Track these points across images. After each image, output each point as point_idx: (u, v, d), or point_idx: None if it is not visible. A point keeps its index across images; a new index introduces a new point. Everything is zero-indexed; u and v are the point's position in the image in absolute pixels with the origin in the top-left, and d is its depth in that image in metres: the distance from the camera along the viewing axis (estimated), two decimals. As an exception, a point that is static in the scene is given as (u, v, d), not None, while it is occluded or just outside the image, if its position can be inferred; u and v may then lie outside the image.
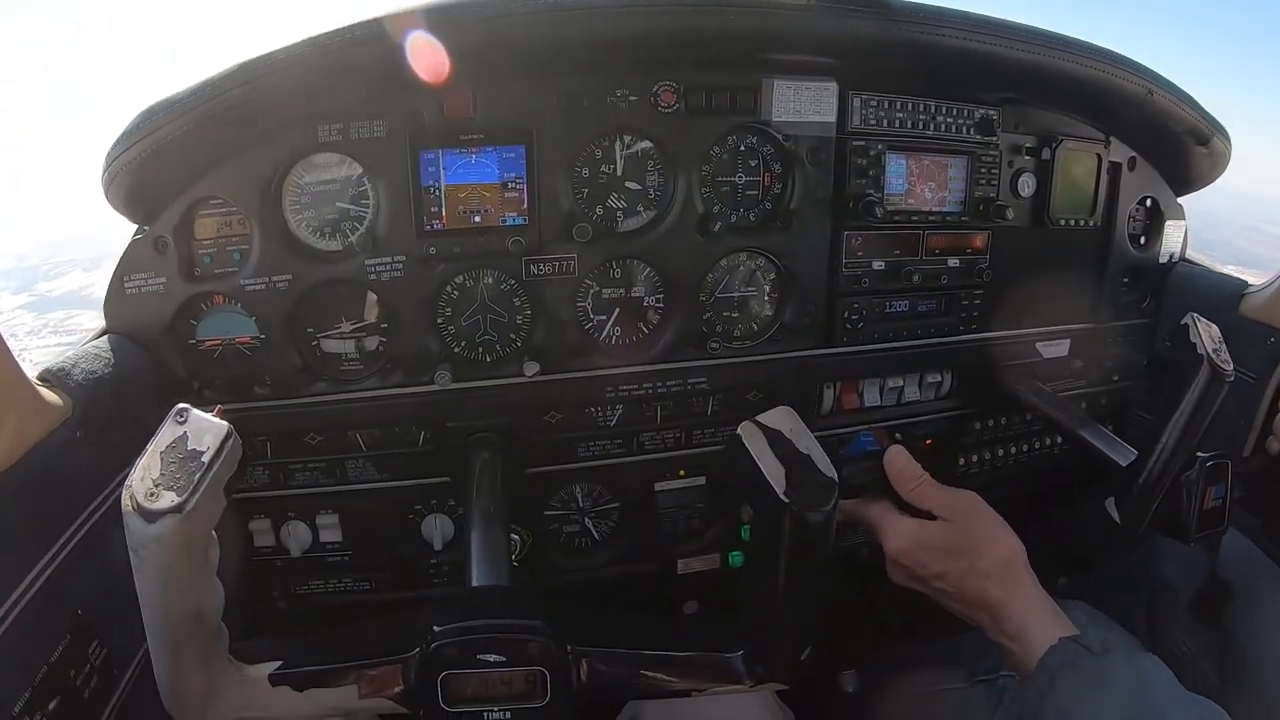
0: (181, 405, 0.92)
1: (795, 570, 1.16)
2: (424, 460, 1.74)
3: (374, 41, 1.39)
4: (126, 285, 1.54)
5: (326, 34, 1.38)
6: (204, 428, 0.90)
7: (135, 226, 1.55)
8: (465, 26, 1.44)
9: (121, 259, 1.53)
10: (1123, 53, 1.96)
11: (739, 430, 1.30)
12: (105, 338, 1.52)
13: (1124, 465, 1.73)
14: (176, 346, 1.60)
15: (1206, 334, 1.58)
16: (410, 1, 1.44)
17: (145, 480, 0.85)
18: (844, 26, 1.67)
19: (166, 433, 0.89)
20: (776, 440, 1.26)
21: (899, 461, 1.63)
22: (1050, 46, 1.85)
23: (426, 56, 1.42)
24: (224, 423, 0.92)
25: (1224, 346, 1.60)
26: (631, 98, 1.64)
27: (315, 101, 1.49)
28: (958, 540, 1.50)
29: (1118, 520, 1.78)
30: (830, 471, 1.23)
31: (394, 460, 1.73)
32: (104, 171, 1.43)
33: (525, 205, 1.63)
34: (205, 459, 0.87)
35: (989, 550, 1.48)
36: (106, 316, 1.56)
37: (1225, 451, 1.73)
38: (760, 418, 1.28)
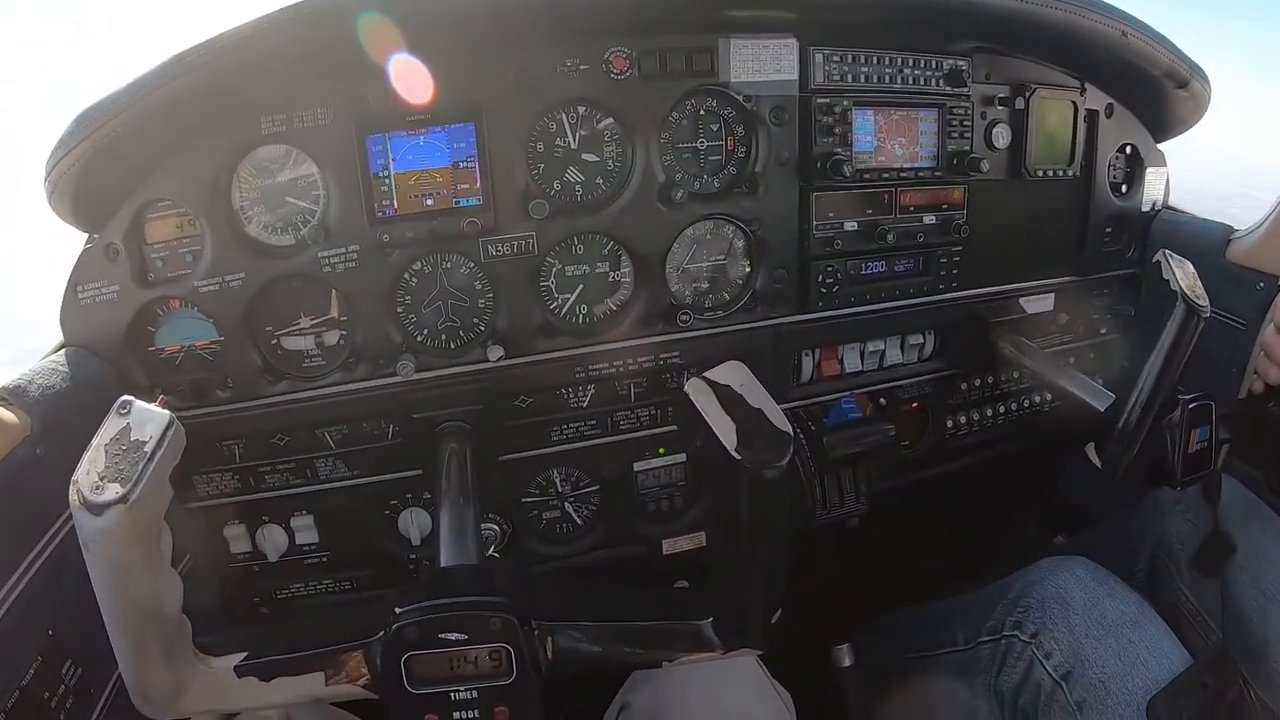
0: (125, 398, 0.96)
1: (757, 530, 1.17)
2: (394, 454, 1.76)
3: (316, 23, 1.41)
4: (80, 295, 1.56)
5: (264, 17, 1.39)
6: (146, 418, 0.94)
7: (85, 235, 1.56)
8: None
9: (73, 269, 1.55)
10: None
11: (686, 387, 1.32)
12: (62, 351, 1.54)
13: (1103, 410, 1.78)
14: (136, 355, 1.61)
15: (1180, 271, 1.61)
16: None
17: (90, 474, 0.89)
18: None
19: (110, 425, 0.93)
20: (726, 396, 1.27)
21: None
22: None
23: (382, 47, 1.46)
24: (165, 412, 0.96)
25: (1199, 283, 1.64)
26: (582, 66, 1.65)
27: (255, 92, 1.50)
28: None
29: (1098, 464, 1.82)
30: (784, 425, 1.23)
31: (364, 456, 1.75)
32: (45, 180, 1.44)
33: (479, 185, 1.64)
34: (148, 449, 0.91)
35: None
36: (63, 329, 1.58)
37: (1219, 398, 1.76)
38: (709, 373, 1.31)
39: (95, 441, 0.92)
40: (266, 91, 1.51)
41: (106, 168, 1.44)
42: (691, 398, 1.29)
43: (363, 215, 1.60)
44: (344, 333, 1.68)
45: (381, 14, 1.42)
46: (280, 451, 1.71)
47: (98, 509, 0.86)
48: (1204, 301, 1.60)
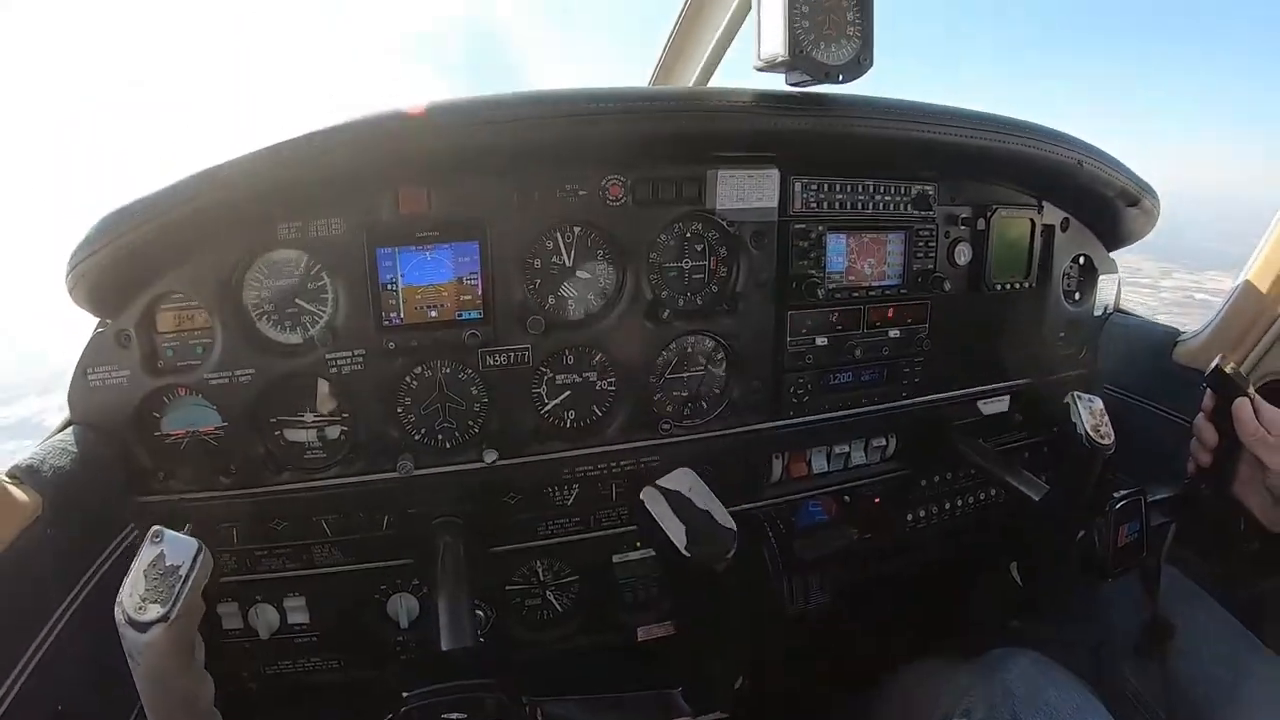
0: (156, 527, 1.10)
1: (713, 611, 1.40)
2: (388, 543, 1.87)
3: (337, 149, 1.51)
4: (90, 378, 1.63)
5: (287, 142, 1.49)
6: (178, 545, 1.08)
7: (96, 320, 1.64)
8: (427, 137, 1.57)
9: (84, 352, 1.63)
10: (1052, 126, 2.15)
11: (641, 496, 1.52)
12: (70, 430, 1.62)
13: (1037, 499, 1.98)
14: (141, 438, 1.70)
15: (1087, 411, 1.81)
16: (368, 108, 1.54)
17: (133, 596, 1.02)
18: (784, 124, 1.83)
19: (146, 553, 1.07)
20: (677, 501, 1.45)
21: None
22: (981, 128, 2.02)
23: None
24: (194, 540, 1.09)
25: (1105, 420, 1.85)
26: (581, 192, 1.78)
27: (276, 202, 1.61)
28: None
29: (1019, 582, 2.00)
30: (729, 524, 1.46)
31: (359, 544, 1.86)
32: (68, 274, 1.52)
33: (480, 300, 1.76)
34: (182, 572, 1.06)
35: None
36: (71, 408, 1.65)
37: (1159, 489, 1.98)
38: (661, 481, 1.50)
39: (135, 567, 1.05)
40: (286, 201, 1.62)
41: (128, 266, 1.54)
42: (646, 505, 1.45)
43: (370, 321, 1.71)
44: (345, 428, 1.78)
45: (398, 147, 1.56)
46: (278, 536, 1.81)
47: (142, 627, 1.00)
48: (1107, 440, 1.82)
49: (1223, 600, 2.06)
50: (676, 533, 1.41)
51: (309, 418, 1.78)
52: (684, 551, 1.37)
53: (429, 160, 1.63)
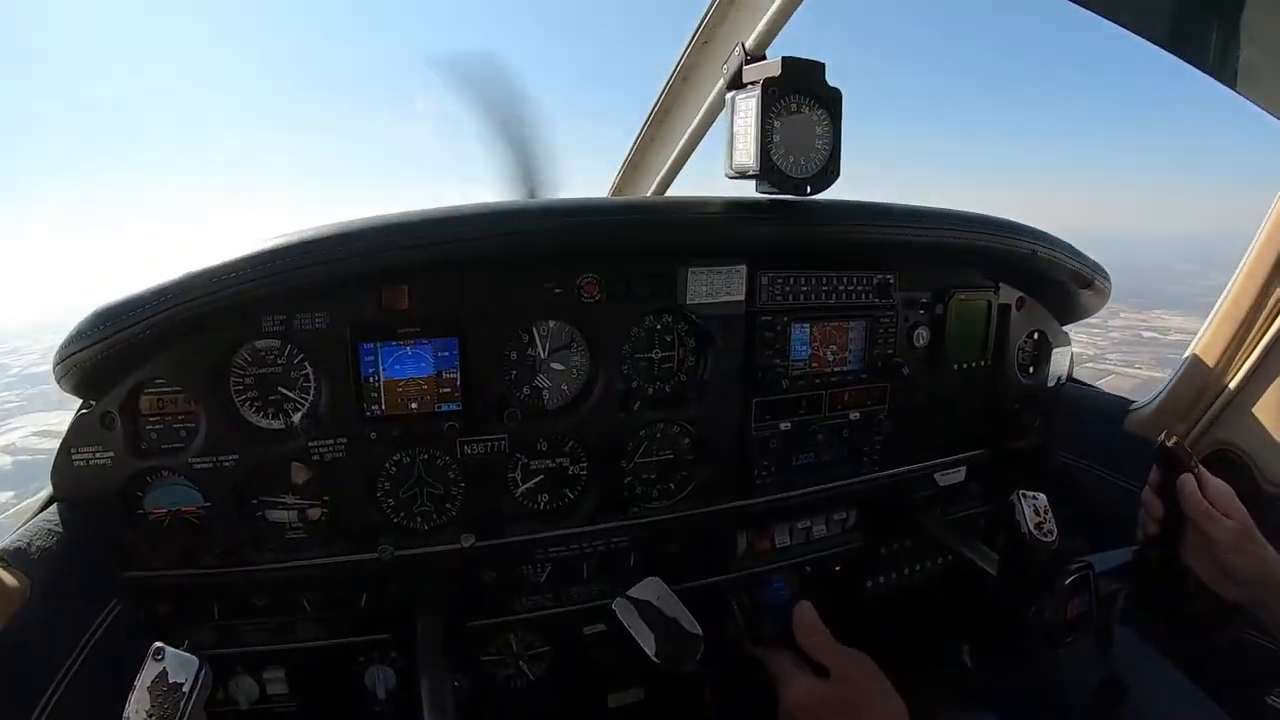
0: (157, 645, 1.21)
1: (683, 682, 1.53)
2: (367, 619, 1.94)
3: (328, 260, 1.60)
4: (74, 458, 1.69)
5: (277, 249, 1.58)
6: (179, 663, 1.18)
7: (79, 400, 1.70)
8: (410, 247, 1.65)
9: (68, 432, 1.69)
10: (1008, 218, 2.28)
11: (614, 606, 1.69)
12: (55, 509, 1.68)
13: (993, 573, 2.10)
14: (124, 516, 1.75)
15: (1030, 509, 1.91)
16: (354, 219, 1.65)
17: (139, 713, 1.11)
18: (756, 231, 1.95)
19: (149, 670, 1.16)
20: (646, 610, 1.55)
21: (805, 617, 1.86)
22: (938, 226, 2.15)
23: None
24: (194, 657, 1.20)
25: (1048, 516, 1.94)
26: (557, 290, 1.87)
27: (262, 299, 1.67)
28: (848, 700, 1.75)
29: (969, 664, 2.12)
30: (695, 629, 1.65)
31: (338, 620, 1.93)
32: (58, 364, 1.59)
33: (459, 393, 1.83)
34: (185, 689, 1.16)
35: (874, 713, 1.74)
36: (55, 486, 1.71)
37: (1111, 558, 2.08)
38: (631, 592, 1.63)
39: (138, 683, 1.13)
40: (272, 298, 1.68)
41: (117, 357, 1.60)
42: (618, 615, 1.56)
43: (352, 412, 1.78)
44: (326, 510, 1.86)
45: (382, 258, 1.65)
46: (258, 612, 1.88)
47: None
48: (1050, 538, 1.92)
49: (1176, 660, 2.17)
50: (646, 640, 1.54)
51: (291, 499, 1.85)
52: (654, 658, 1.50)
53: (411, 265, 1.70)
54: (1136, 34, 1.99)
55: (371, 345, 1.77)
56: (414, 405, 1.82)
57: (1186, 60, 2.04)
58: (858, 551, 2.45)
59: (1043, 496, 1.96)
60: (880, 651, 2.72)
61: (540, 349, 1.92)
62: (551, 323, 1.92)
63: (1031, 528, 1.91)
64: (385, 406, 1.80)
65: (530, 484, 2.00)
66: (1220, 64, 2.10)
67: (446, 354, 1.82)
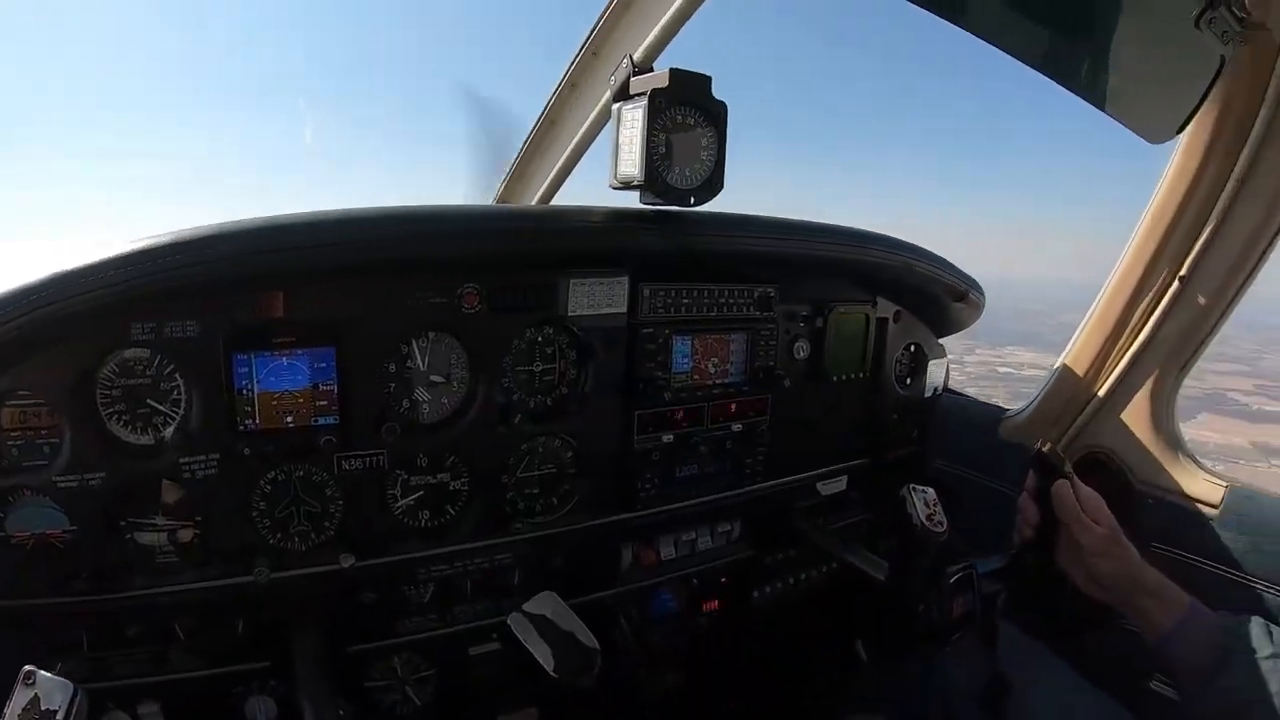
0: (28, 668, 1.12)
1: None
2: (245, 646, 1.86)
3: (193, 263, 1.54)
4: None
5: (142, 251, 1.51)
6: (51, 688, 1.10)
7: None
8: (279, 253, 1.61)
9: None
10: (883, 232, 2.37)
11: (509, 621, 1.64)
12: None
13: (881, 578, 2.18)
14: None
15: (921, 502, 1.98)
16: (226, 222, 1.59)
17: None
18: (638, 242, 1.98)
19: (19, 698, 1.12)
20: (541, 625, 1.55)
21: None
22: (818, 239, 2.23)
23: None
24: (69, 682, 1.11)
25: (938, 508, 2.10)
26: (437, 300, 1.84)
27: (129, 304, 1.59)
28: None
29: (864, 659, 2.16)
30: (591, 642, 1.67)
31: (215, 648, 1.84)
32: None
33: (336, 406, 1.80)
34: (59, 717, 1.05)
35: None
36: None
37: (992, 558, 2.22)
38: (526, 606, 1.61)
39: (7, 711, 1.10)
40: (140, 303, 1.61)
41: None
42: (514, 631, 1.54)
43: (225, 426, 1.72)
44: (198, 532, 1.77)
45: (254, 261, 1.61)
46: (131, 642, 1.78)
47: None
48: (940, 529, 2.07)
49: (1058, 653, 2.27)
50: (544, 655, 1.54)
51: (161, 521, 1.75)
52: (552, 674, 1.49)
53: (285, 270, 1.66)
54: (1015, 57, 2.11)
55: (245, 356, 1.71)
56: (289, 419, 1.78)
57: (1059, 81, 2.12)
58: (743, 562, 2.50)
59: (931, 490, 2.04)
60: (774, 659, 2.78)
61: (420, 361, 1.90)
62: (431, 334, 1.89)
63: (923, 519, 2.02)
64: (259, 420, 1.76)
65: (410, 500, 1.96)
66: (1090, 85, 2.19)
67: (323, 365, 1.78)
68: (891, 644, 2.35)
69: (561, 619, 1.72)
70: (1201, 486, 2.49)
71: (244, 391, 1.73)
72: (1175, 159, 2.38)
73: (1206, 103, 2.25)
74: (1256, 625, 1.91)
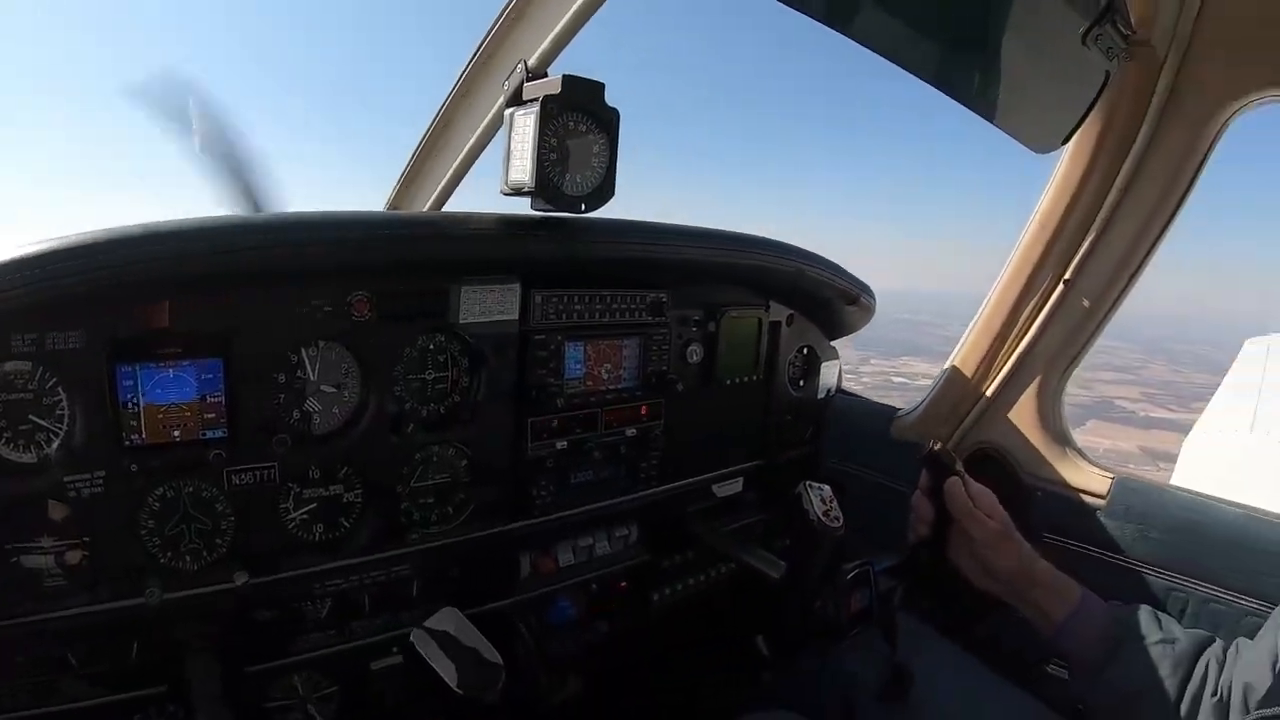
0: None
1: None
2: (139, 672, 1.79)
3: (79, 271, 1.47)
4: None
5: (30, 257, 1.44)
6: None
7: None
8: (163, 261, 1.55)
9: None
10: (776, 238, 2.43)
11: (411, 638, 1.59)
12: None
13: (777, 577, 2.23)
14: None
15: (817, 498, 2.03)
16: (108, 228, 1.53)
17: None
18: (529, 248, 2.00)
19: None
20: (444, 640, 1.54)
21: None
22: (709, 245, 2.28)
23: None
24: None
25: (834, 504, 2.17)
26: (326, 308, 1.82)
27: (11, 315, 1.53)
28: None
29: (766, 654, 2.20)
30: (494, 658, 1.69)
31: (108, 675, 1.77)
32: None
33: (225, 418, 1.77)
34: None
35: None
36: None
37: (889, 554, 2.29)
38: (428, 623, 1.61)
39: None
40: (21, 310, 1.53)
41: None
42: (417, 647, 1.52)
43: (110, 442, 1.66)
44: (86, 553, 1.70)
45: (139, 270, 1.54)
46: (20, 671, 1.69)
47: None
48: (837, 524, 2.12)
49: (956, 643, 2.38)
50: (448, 671, 1.53)
51: (48, 542, 1.66)
52: (456, 689, 1.48)
53: (169, 278, 1.61)
54: (907, 70, 2.16)
55: (130, 368, 1.66)
56: (177, 433, 1.73)
57: (950, 95, 2.19)
58: (641, 566, 2.53)
59: (827, 487, 2.08)
60: (675, 660, 2.80)
61: (310, 371, 1.86)
62: (321, 343, 1.86)
63: (820, 514, 2.09)
64: (146, 435, 1.70)
65: (303, 514, 1.92)
66: (980, 99, 2.26)
67: (210, 376, 1.73)
68: (790, 641, 2.39)
69: (464, 635, 1.73)
70: (1088, 479, 2.63)
71: (129, 405, 1.67)
72: (1060, 169, 2.55)
73: (1091, 115, 2.39)
74: (1145, 613, 2.01)
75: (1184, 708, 1.85)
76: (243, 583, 1.79)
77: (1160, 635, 1.94)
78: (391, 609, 2.05)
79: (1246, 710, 1.70)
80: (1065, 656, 2.14)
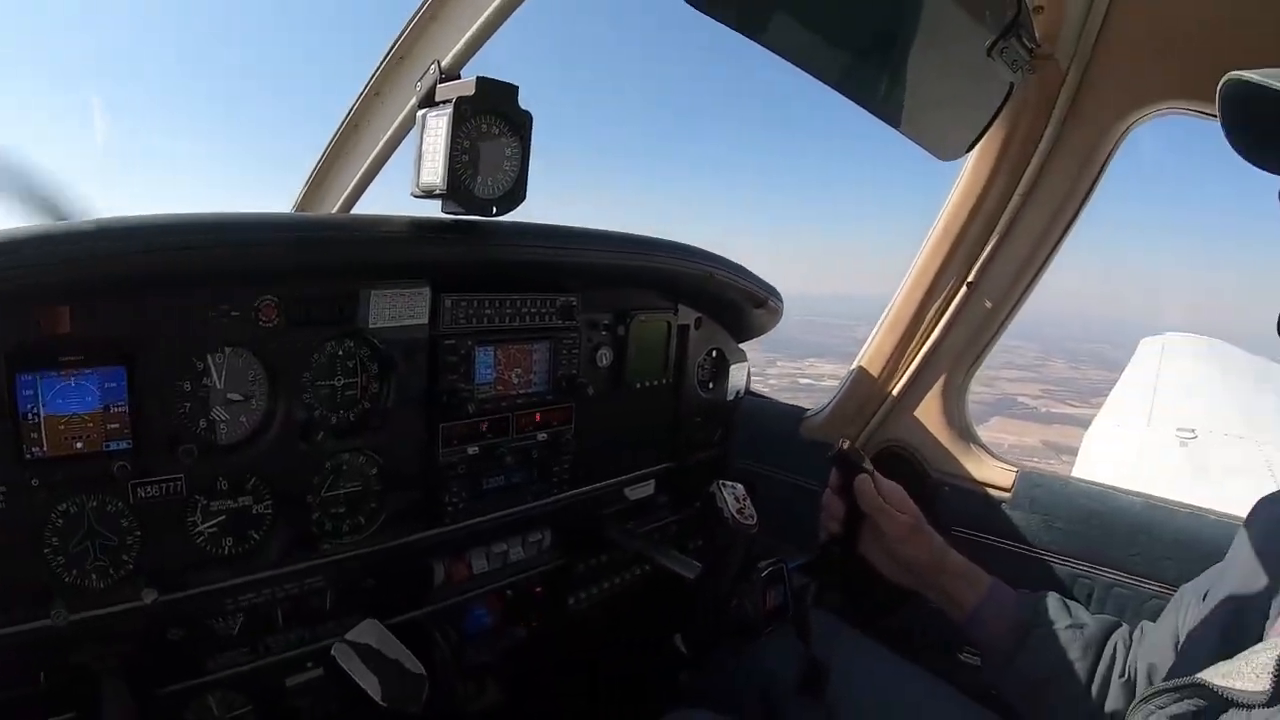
0: None
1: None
2: (48, 698, 1.70)
3: None
4: None
5: None
6: None
7: None
8: (63, 264, 1.49)
9: None
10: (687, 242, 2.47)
11: (333, 652, 1.57)
12: None
13: (692, 577, 2.23)
14: None
15: (731, 496, 2.05)
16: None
17: None
18: (439, 252, 1.99)
19: None
20: (366, 653, 1.51)
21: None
22: (619, 249, 2.31)
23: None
24: None
25: (747, 502, 2.18)
26: (233, 313, 1.78)
27: None
28: None
29: (685, 652, 2.22)
30: (417, 669, 1.68)
31: (15, 704, 1.68)
32: None
33: (129, 428, 1.71)
34: None
35: None
36: None
37: (801, 552, 2.36)
38: (349, 636, 1.58)
39: None
40: None
41: None
42: (339, 661, 1.50)
43: (10, 456, 1.59)
44: None
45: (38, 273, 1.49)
46: None
47: None
48: (751, 522, 2.21)
49: (870, 636, 2.44)
50: (371, 685, 1.51)
51: None
52: (380, 702, 1.46)
53: (69, 282, 1.55)
54: (817, 78, 2.18)
55: (30, 376, 1.57)
56: (79, 445, 1.66)
57: (859, 103, 2.25)
58: (556, 571, 2.55)
59: (740, 485, 2.10)
60: (594, 664, 2.81)
61: (216, 378, 1.81)
62: (228, 349, 1.81)
63: (734, 513, 2.13)
64: (47, 447, 1.63)
65: (212, 527, 1.86)
66: (887, 107, 2.33)
67: (114, 385, 1.67)
68: (706, 640, 2.41)
69: (386, 647, 1.72)
70: (993, 473, 2.75)
71: (29, 416, 1.59)
72: (964, 175, 2.67)
73: (995, 124, 2.49)
74: (1054, 600, 2.09)
75: (1094, 689, 1.93)
76: (152, 600, 1.72)
77: (1070, 620, 2.02)
78: (306, 623, 2.00)
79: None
80: (977, 644, 2.21)
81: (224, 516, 1.86)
